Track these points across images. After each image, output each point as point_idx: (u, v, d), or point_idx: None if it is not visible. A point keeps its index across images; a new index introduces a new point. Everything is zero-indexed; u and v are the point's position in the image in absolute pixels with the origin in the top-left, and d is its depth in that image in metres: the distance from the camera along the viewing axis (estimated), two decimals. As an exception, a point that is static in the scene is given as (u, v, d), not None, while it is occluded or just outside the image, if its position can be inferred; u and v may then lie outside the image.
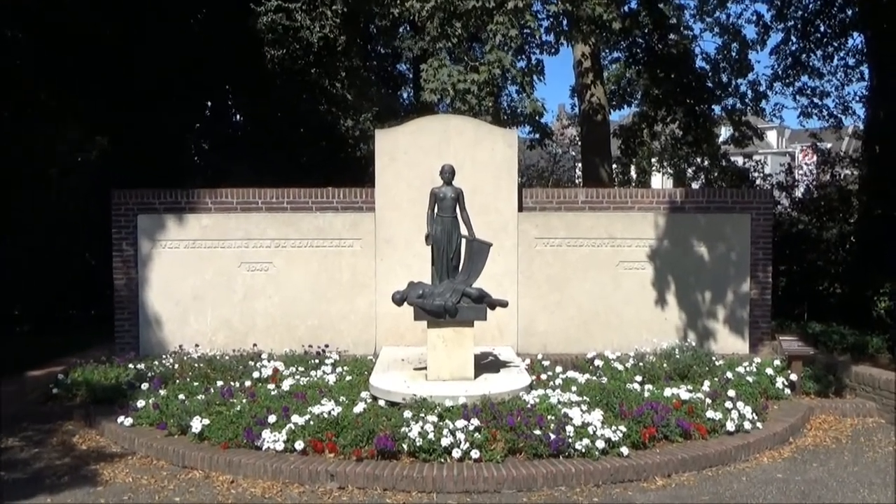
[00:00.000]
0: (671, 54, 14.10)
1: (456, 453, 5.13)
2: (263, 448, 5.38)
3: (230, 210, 8.18)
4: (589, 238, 8.19)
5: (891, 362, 7.48)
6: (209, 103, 13.31)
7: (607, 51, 15.61)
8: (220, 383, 6.73)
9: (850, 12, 12.78)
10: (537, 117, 11.81)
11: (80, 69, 10.35)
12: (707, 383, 6.74)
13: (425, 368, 6.48)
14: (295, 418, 5.54)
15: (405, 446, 5.20)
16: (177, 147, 11.89)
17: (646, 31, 13.72)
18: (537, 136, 13.03)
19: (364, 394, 6.26)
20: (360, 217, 8.16)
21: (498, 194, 8.10)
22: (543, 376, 6.99)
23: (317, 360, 7.57)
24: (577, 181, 24.33)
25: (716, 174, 17.15)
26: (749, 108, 14.93)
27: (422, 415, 5.54)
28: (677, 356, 7.33)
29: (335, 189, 8.27)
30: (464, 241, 6.59)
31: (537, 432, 5.32)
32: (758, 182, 14.73)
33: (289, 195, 8.22)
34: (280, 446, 5.34)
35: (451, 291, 6.34)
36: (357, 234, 8.15)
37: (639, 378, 6.92)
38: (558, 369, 7.23)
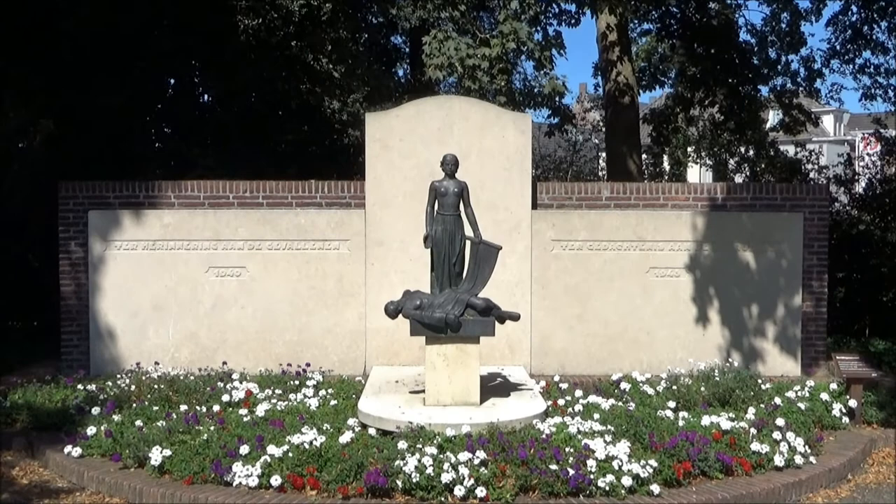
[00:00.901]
0: (711, 26, 14.12)
1: (459, 491, 5.14)
2: (234, 484, 5.40)
3: (196, 205, 8.22)
4: (615, 240, 8.22)
5: (967, 387, 7.48)
6: (171, 81, 13.33)
7: (636, 21, 15.65)
8: (183, 408, 6.75)
9: (920, -23, 12.81)
10: (557, 98, 11.80)
11: (19, 40, 10.38)
12: (752, 410, 6.75)
13: (423, 392, 6.49)
14: (271, 449, 5.56)
15: (399, 482, 5.22)
16: (134, 132, 11.91)
17: (681, -2, 13.78)
18: (557, 120, 12.97)
19: (351, 421, 6.28)
20: (347, 215, 8.19)
21: (509, 189, 8.13)
22: (561, 401, 7.01)
23: (297, 382, 7.58)
24: (600, 174, 24.34)
25: (763, 166, 17.17)
26: (802, 88, 14.94)
27: (419, 446, 5.56)
28: (717, 379, 7.34)
29: (319, 182, 8.30)
30: (469, 243, 6.61)
31: (553, 467, 5.33)
32: (812, 175, 14.75)
33: (264, 189, 8.25)
34: (254, 482, 5.36)
35: (453, 302, 6.36)
36: (344, 234, 8.18)
37: (672, 404, 6.93)
38: (578, 393, 7.24)
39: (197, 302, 8.18)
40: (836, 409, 7.01)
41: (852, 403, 7.10)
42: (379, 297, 7.66)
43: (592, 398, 7.08)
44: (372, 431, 6.02)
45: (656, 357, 8.21)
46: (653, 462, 5.49)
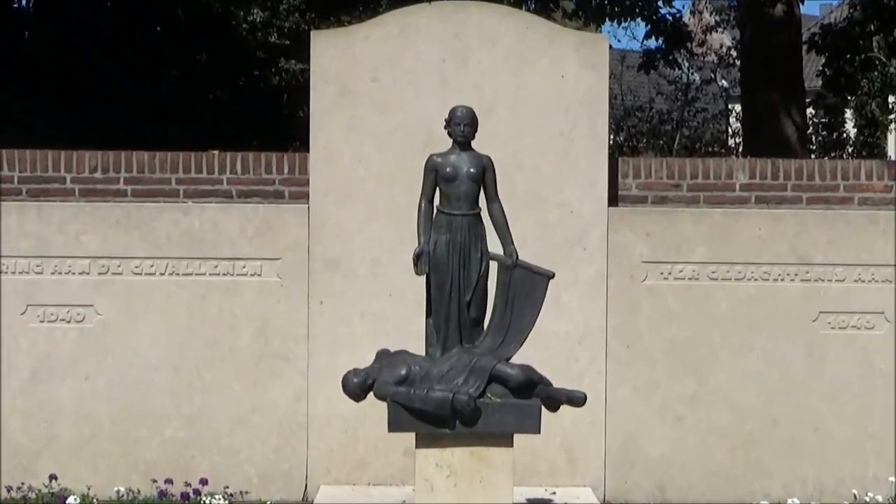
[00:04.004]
0: None
1: None
2: None
3: (7, 194, 8.25)
4: (757, 263, 8.24)
5: None
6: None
7: None
8: (-21, 558, 6.74)
9: None
10: (658, 5, 11.75)
11: None
12: None
13: (410, 533, 6.47)
14: None
15: None
16: None
17: None
18: (659, 42, 12.81)
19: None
20: (276, 214, 8.25)
21: (566, 169, 8.17)
22: (659, 552, 6.98)
23: (183, 513, 7.57)
24: (731, 143, 24.29)
25: None
26: None
27: None
28: (941, 513, 7.31)
29: (226, 154, 8.39)
30: (494, 264, 6.60)
31: None
32: None
33: (129, 165, 8.31)
34: None
35: (465, 372, 6.32)
36: (271, 248, 8.21)
37: (859, 557, 6.91)
38: (690, 537, 7.22)
39: (6, 367, 8.18)
40: None
41: None
42: (332, 362, 7.67)
43: (716, 546, 7.05)
44: None
45: (831, 472, 8.18)
46: None
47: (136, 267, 8.22)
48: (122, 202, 8.26)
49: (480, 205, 6.58)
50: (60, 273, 8.21)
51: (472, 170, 6.57)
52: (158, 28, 13.30)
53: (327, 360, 7.92)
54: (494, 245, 6.55)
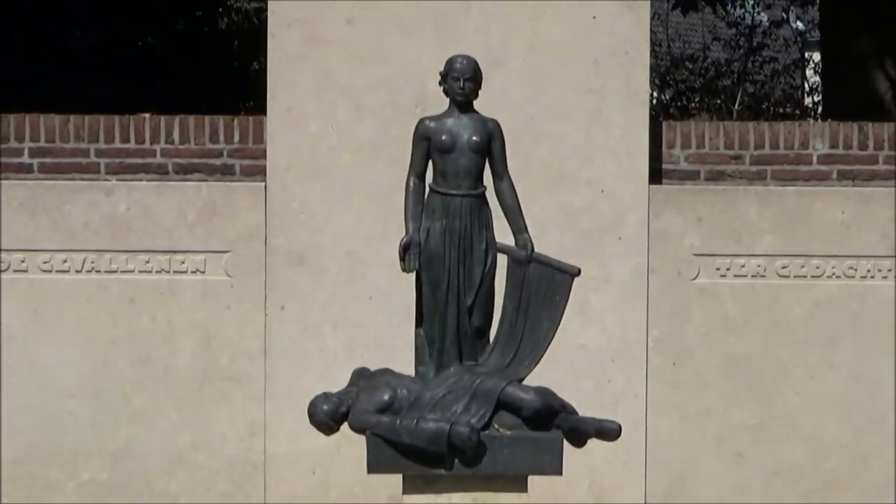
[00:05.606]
0: None
1: None
2: None
3: None
4: (839, 256, 8.24)
5: None
6: None
7: None
8: None
9: None
10: None
11: None
12: None
13: None
14: None
15: None
16: None
17: None
18: None
19: None
20: (224, 195, 8.26)
21: (596, 136, 8.18)
22: None
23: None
24: (808, 103, 24.33)
25: None
26: None
27: None
28: None
29: (161, 119, 8.37)
30: (503, 259, 6.53)
31: None
32: None
33: (35, 133, 8.30)
34: None
35: (467, 396, 6.29)
36: (218, 239, 8.24)
37: None
38: None
39: None
40: None
41: None
42: (296, 384, 7.69)
43: None
44: None
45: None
46: None
47: (45, 263, 8.20)
48: (27, 180, 8.23)
49: (486, 183, 6.54)
50: (-51, 271, 8.21)
51: (474, 137, 6.52)
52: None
53: (290, 381, 7.92)
54: (504, 234, 6.51)
